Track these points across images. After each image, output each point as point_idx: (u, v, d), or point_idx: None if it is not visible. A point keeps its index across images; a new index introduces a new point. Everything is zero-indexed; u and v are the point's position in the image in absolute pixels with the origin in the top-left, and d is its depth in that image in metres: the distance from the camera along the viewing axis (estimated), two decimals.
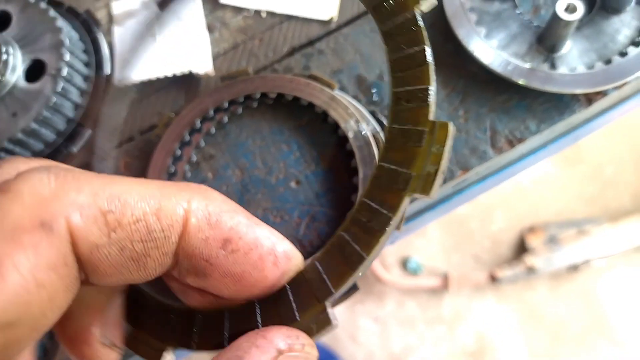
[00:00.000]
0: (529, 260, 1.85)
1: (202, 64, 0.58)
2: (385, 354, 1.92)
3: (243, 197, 0.54)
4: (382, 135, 0.53)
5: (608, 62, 0.51)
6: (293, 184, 0.54)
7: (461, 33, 0.53)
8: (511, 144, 0.52)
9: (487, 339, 1.89)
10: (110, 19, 0.63)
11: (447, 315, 1.94)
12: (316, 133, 0.55)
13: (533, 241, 1.91)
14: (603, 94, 0.52)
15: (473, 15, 0.53)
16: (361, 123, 0.52)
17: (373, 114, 0.54)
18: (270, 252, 0.24)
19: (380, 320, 1.95)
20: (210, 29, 0.60)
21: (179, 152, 0.55)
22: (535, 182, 1.99)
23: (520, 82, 0.51)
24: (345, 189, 0.53)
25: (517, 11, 0.55)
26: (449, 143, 0.26)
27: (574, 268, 1.87)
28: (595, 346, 1.82)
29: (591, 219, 1.91)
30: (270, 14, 0.60)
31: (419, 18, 0.30)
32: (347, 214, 0.49)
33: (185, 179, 0.55)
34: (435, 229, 2.00)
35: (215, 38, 0.60)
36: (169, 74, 0.58)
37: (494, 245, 1.99)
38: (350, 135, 0.52)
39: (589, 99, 0.52)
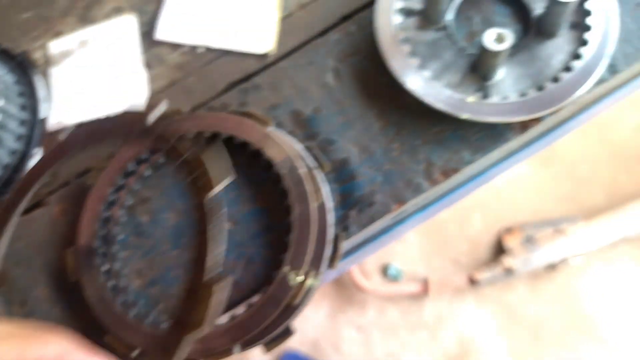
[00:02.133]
0: (507, 261, 1.85)
1: (138, 103, 0.57)
2: None
3: (179, 240, 0.53)
4: (318, 172, 0.52)
5: (540, 88, 0.51)
6: (229, 225, 0.53)
7: (394, 65, 0.52)
8: (446, 175, 0.51)
9: (469, 342, 1.89)
10: (47, 59, 0.62)
11: (428, 321, 1.94)
12: (252, 171, 0.54)
13: (510, 242, 1.91)
14: (538, 120, 0.52)
15: (406, 47, 0.53)
16: (295, 160, 0.51)
17: (309, 149, 0.53)
18: None
19: (363, 329, 1.94)
20: (148, 66, 0.59)
21: (112, 197, 0.53)
22: (510, 183, 2.00)
23: (453, 113, 0.50)
24: (280, 228, 0.52)
25: (452, 39, 0.54)
26: None
27: (552, 267, 1.88)
28: (577, 344, 1.83)
29: (567, 218, 1.92)
30: (207, 49, 0.59)
31: None
32: None
33: (120, 224, 0.54)
34: (413, 234, 2.00)
35: (152, 75, 0.59)
36: (106, 114, 0.57)
37: (473, 247, 1.99)
38: (285, 174, 0.51)
39: (524, 126, 0.52)
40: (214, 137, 0.54)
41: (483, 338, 1.89)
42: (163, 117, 0.55)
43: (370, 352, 1.93)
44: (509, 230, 1.95)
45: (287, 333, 0.50)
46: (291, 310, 0.48)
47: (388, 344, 1.94)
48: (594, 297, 1.87)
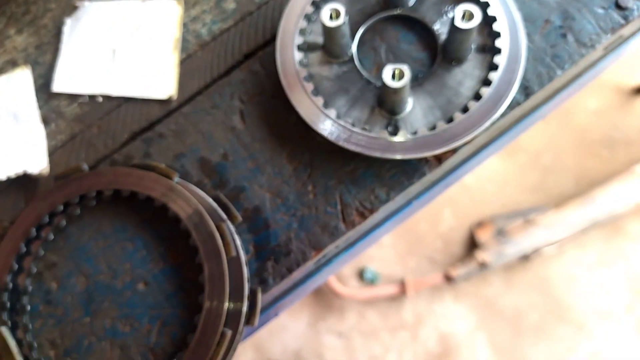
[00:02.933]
0: (481, 255, 1.85)
1: (37, 162, 0.54)
2: None
3: (89, 307, 0.50)
4: (228, 223, 0.49)
5: (450, 120, 0.49)
6: (141, 286, 0.50)
7: (299, 105, 0.50)
8: (362, 215, 0.49)
9: (450, 339, 1.89)
10: None
11: (408, 321, 1.93)
12: (160, 227, 0.51)
13: (482, 236, 1.91)
14: (452, 151, 0.50)
15: (310, 85, 0.50)
16: (204, 214, 0.48)
17: (217, 199, 0.50)
18: None
19: (344, 335, 1.93)
20: (46, 120, 0.56)
21: (16, 266, 0.50)
22: (478, 177, 2.00)
23: (363, 152, 0.48)
24: (193, 287, 0.49)
25: (358, 72, 0.52)
26: None
27: (525, 258, 1.88)
28: (556, 331, 1.83)
29: (536, 208, 1.93)
30: (107, 98, 0.56)
31: None
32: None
33: (27, 294, 0.51)
34: (387, 235, 1.98)
35: (51, 130, 0.56)
36: (3, 177, 0.54)
37: (446, 244, 1.99)
38: (192, 229, 0.48)
39: (438, 158, 0.50)
40: (116, 193, 0.51)
41: (463, 333, 1.88)
42: (63, 176, 0.52)
43: (353, 357, 1.92)
44: (480, 224, 1.95)
45: None
46: None
47: (370, 347, 1.93)
48: (569, 284, 1.88)
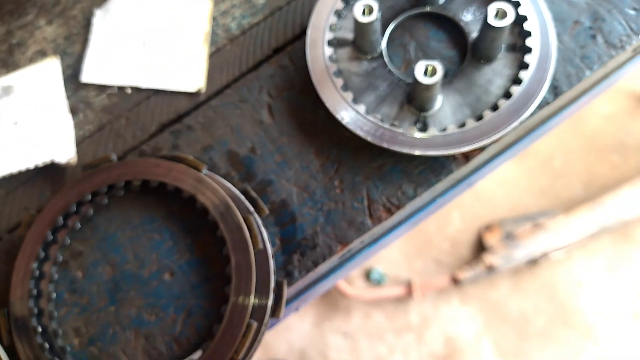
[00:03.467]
0: (488, 259, 1.85)
1: (65, 151, 0.54)
2: None
3: (115, 295, 0.51)
4: (255, 216, 0.50)
5: (480, 118, 0.49)
6: (167, 277, 0.50)
7: (328, 100, 0.50)
8: (389, 211, 0.49)
9: (455, 341, 1.89)
10: None
11: (414, 323, 1.93)
12: (187, 219, 0.52)
13: (490, 239, 1.91)
14: (480, 149, 0.50)
15: (339, 80, 0.50)
16: (232, 206, 0.49)
17: (244, 192, 0.50)
18: None
19: (349, 335, 1.93)
20: (74, 111, 0.56)
21: (42, 254, 0.51)
22: (487, 180, 1.99)
23: (391, 147, 0.48)
24: (220, 278, 0.50)
25: (387, 69, 0.52)
26: None
27: (533, 262, 1.88)
28: (562, 336, 1.83)
29: (545, 212, 1.92)
30: (136, 90, 0.56)
31: None
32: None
33: (52, 281, 0.51)
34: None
35: (79, 120, 0.56)
36: (31, 165, 0.54)
37: (454, 247, 1.98)
38: (220, 220, 0.48)
39: (466, 156, 0.50)
40: (145, 184, 0.51)
41: (469, 337, 1.88)
42: (91, 166, 0.52)
43: (358, 358, 1.92)
44: (488, 227, 1.95)
45: None
46: None
47: (375, 348, 1.93)
48: (576, 289, 1.87)
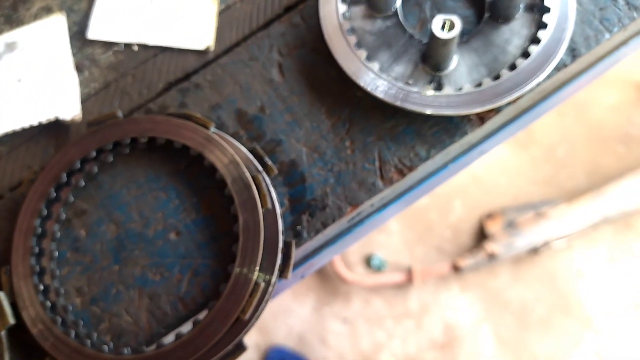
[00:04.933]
0: (490, 247, 1.84)
1: (69, 108, 0.53)
2: (356, 354, 1.90)
3: (119, 254, 0.50)
4: (264, 175, 0.48)
5: (497, 77, 0.47)
6: (172, 236, 0.49)
7: (341, 57, 0.49)
8: (401, 173, 0.48)
9: (455, 329, 1.88)
10: None
11: (414, 309, 1.92)
12: (194, 177, 0.50)
13: (492, 227, 1.90)
14: (495, 111, 0.48)
15: (353, 38, 0.49)
16: (240, 164, 0.47)
17: (253, 151, 0.49)
18: None
19: (348, 321, 1.92)
20: (79, 68, 0.55)
21: (45, 211, 0.49)
22: (490, 168, 1.98)
23: (405, 106, 0.47)
24: (227, 237, 0.48)
25: (402, 27, 0.51)
26: None
27: (534, 251, 1.87)
28: (561, 326, 1.83)
29: (547, 201, 1.91)
30: (143, 47, 0.55)
31: None
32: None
33: (55, 240, 0.50)
34: (395, 223, 1.97)
35: (84, 78, 0.55)
36: (35, 122, 0.53)
37: (455, 234, 1.98)
38: (229, 179, 0.47)
39: (481, 117, 0.49)
40: (151, 141, 0.50)
41: (468, 324, 1.88)
42: (96, 122, 0.51)
43: (357, 343, 1.91)
44: (490, 215, 1.94)
45: (240, 349, 0.47)
46: (242, 325, 0.45)
47: (374, 334, 1.92)
48: (577, 279, 1.87)
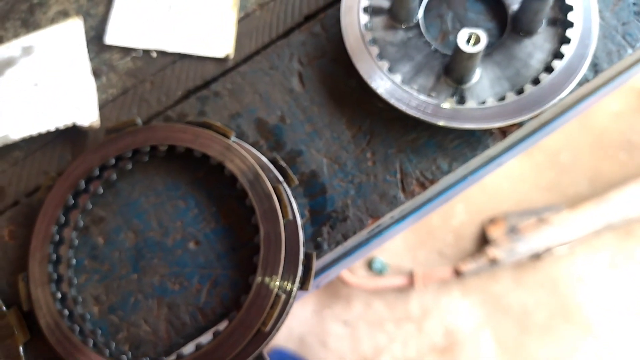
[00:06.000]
0: (491, 252, 1.84)
1: (87, 114, 0.53)
2: (356, 357, 1.90)
3: (137, 263, 0.49)
4: (284, 186, 0.48)
5: (520, 92, 0.47)
6: (192, 245, 0.49)
7: (362, 68, 0.49)
8: (423, 186, 0.48)
9: (455, 334, 1.88)
10: None
11: (415, 313, 1.92)
12: (214, 186, 0.50)
13: (494, 232, 1.90)
14: (518, 125, 0.48)
15: (375, 49, 0.49)
16: (261, 174, 0.47)
17: (274, 161, 0.49)
18: None
19: (349, 323, 1.92)
20: (97, 73, 0.54)
21: (63, 218, 0.49)
22: (493, 174, 1.98)
23: (427, 119, 0.47)
24: (247, 248, 0.48)
25: (424, 39, 0.51)
26: None
27: (536, 257, 1.87)
28: (562, 332, 1.83)
29: (550, 207, 1.92)
30: (161, 54, 0.54)
31: None
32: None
33: (73, 247, 0.50)
34: None
35: (102, 83, 0.54)
36: (52, 127, 0.53)
37: (457, 239, 1.98)
38: (249, 189, 0.47)
39: (503, 131, 0.48)
40: (171, 150, 0.50)
41: (469, 329, 1.88)
42: (115, 130, 0.51)
43: (357, 346, 1.91)
44: (492, 220, 1.94)
45: None
46: (262, 337, 0.45)
47: (375, 337, 1.92)
48: (579, 286, 1.87)
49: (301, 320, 1.93)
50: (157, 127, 0.50)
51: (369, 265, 1.96)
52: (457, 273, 1.87)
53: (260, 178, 0.47)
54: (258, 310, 0.44)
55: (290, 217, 0.46)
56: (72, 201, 0.50)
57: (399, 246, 1.98)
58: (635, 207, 1.86)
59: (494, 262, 1.84)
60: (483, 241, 1.94)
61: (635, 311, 1.82)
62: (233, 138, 0.49)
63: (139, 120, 0.51)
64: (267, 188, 0.47)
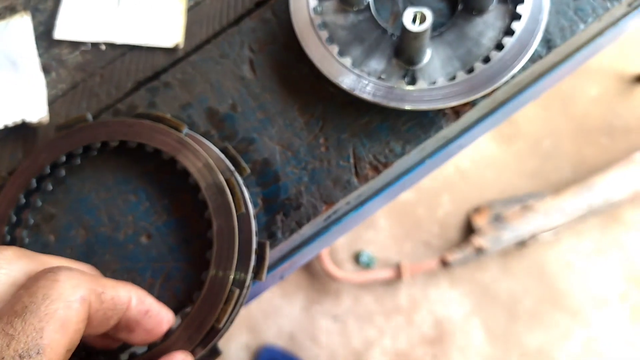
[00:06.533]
0: (477, 241, 1.84)
1: (36, 111, 0.51)
2: (347, 352, 1.90)
3: (90, 259, 0.48)
4: (236, 176, 0.47)
5: (470, 70, 0.47)
6: (144, 239, 0.48)
7: (312, 53, 0.48)
8: (376, 170, 0.47)
9: (445, 324, 1.89)
10: None
11: (404, 305, 1.92)
12: (166, 179, 0.49)
13: (479, 222, 1.91)
14: (471, 104, 0.48)
15: (324, 32, 0.48)
16: (213, 168, 0.46)
17: (225, 150, 0.48)
18: (165, 318, 0.42)
19: (339, 318, 1.92)
20: (46, 69, 0.53)
21: (14, 218, 0.48)
22: (476, 163, 1.99)
23: (379, 102, 0.46)
24: (200, 240, 0.47)
25: (374, 21, 0.50)
26: None
27: (522, 244, 1.88)
28: (551, 318, 1.84)
29: (534, 194, 1.92)
30: (111, 46, 0.53)
31: None
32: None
33: (24, 245, 0.49)
34: (383, 218, 1.97)
35: (52, 79, 0.53)
36: (0, 126, 0.51)
37: (443, 229, 1.98)
38: (202, 184, 0.46)
39: (456, 111, 0.48)
40: (122, 144, 0.49)
41: (458, 318, 1.88)
42: (66, 126, 0.50)
43: (348, 341, 1.91)
44: (477, 209, 1.94)
45: (214, 354, 0.46)
46: (215, 331, 0.44)
47: (365, 331, 1.92)
48: (565, 271, 1.88)
49: (290, 317, 1.93)
50: (108, 122, 0.49)
51: (356, 258, 1.96)
52: (444, 263, 1.87)
53: (213, 172, 0.46)
54: (212, 308, 0.43)
55: (243, 210, 0.46)
56: (24, 200, 0.48)
57: (385, 238, 1.98)
58: (618, 191, 1.87)
59: (480, 251, 1.85)
60: (469, 231, 1.94)
61: (621, 295, 1.83)
62: (185, 130, 0.48)
63: (90, 116, 0.50)
64: (220, 183, 0.46)
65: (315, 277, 1.91)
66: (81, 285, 0.32)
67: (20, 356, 0.27)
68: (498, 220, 1.86)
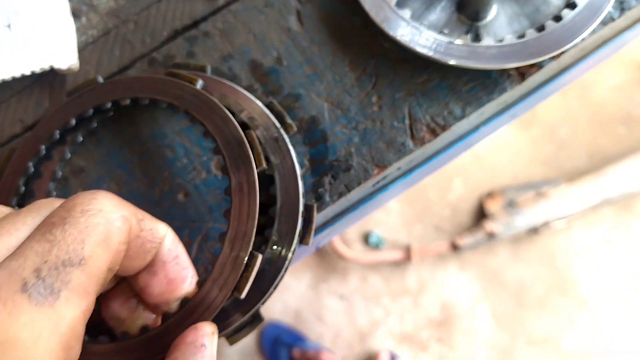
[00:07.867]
0: (489, 225, 1.82)
1: (66, 57, 0.48)
2: (352, 331, 1.88)
3: None
4: (281, 132, 0.44)
5: (541, 28, 0.43)
6: (181, 197, 0.45)
7: (367, 3, 0.44)
8: (434, 132, 0.44)
9: (452, 307, 1.87)
10: None
11: (411, 287, 1.91)
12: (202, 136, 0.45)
13: (492, 207, 1.88)
14: (538, 66, 0.44)
15: None
16: (231, 121, 0.41)
17: (270, 106, 0.44)
18: (189, 273, 0.37)
19: (345, 297, 1.90)
20: (76, 13, 0.49)
21: (35, 169, 0.44)
22: (491, 148, 1.95)
23: (439, 58, 0.42)
24: None
25: None
26: None
27: (533, 231, 1.86)
28: (559, 306, 1.82)
29: (548, 181, 1.89)
30: None
31: None
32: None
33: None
34: (394, 201, 1.94)
35: (82, 24, 0.49)
36: (27, 71, 0.48)
37: (454, 213, 1.95)
38: (218, 138, 0.41)
39: (522, 73, 0.44)
40: (153, 102, 0.45)
41: (466, 303, 1.87)
42: (75, 90, 0.46)
43: (353, 320, 1.90)
44: (490, 194, 1.91)
45: (257, 320, 0.43)
46: (259, 294, 0.41)
47: (371, 311, 1.91)
48: (575, 259, 1.86)
49: (297, 295, 1.91)
50: (130, 79, 0.44)
51: (366, 239, 1.93)
52: (454, 247, 1.85)
53: (230, 125, 0.41)
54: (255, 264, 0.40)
55: (288, 167, 0.42)
56: (48, 151, 0.45)
57: (395, 220, 1.95)
58: (633, 182, 1.84)
59: (491, 236, 1.82)
60: (480, 215, 1.92)
61: (630, 286, 1.81)
62: (200, 83, 0.43)
63: (100, 79, 0.45)
64: (238, 136, 0.41)
65: (324, 255, 1.89)
66: (122, 205, 0.29)
67: (62, 263, 0.24)
68: (511, 205, 1.84)
